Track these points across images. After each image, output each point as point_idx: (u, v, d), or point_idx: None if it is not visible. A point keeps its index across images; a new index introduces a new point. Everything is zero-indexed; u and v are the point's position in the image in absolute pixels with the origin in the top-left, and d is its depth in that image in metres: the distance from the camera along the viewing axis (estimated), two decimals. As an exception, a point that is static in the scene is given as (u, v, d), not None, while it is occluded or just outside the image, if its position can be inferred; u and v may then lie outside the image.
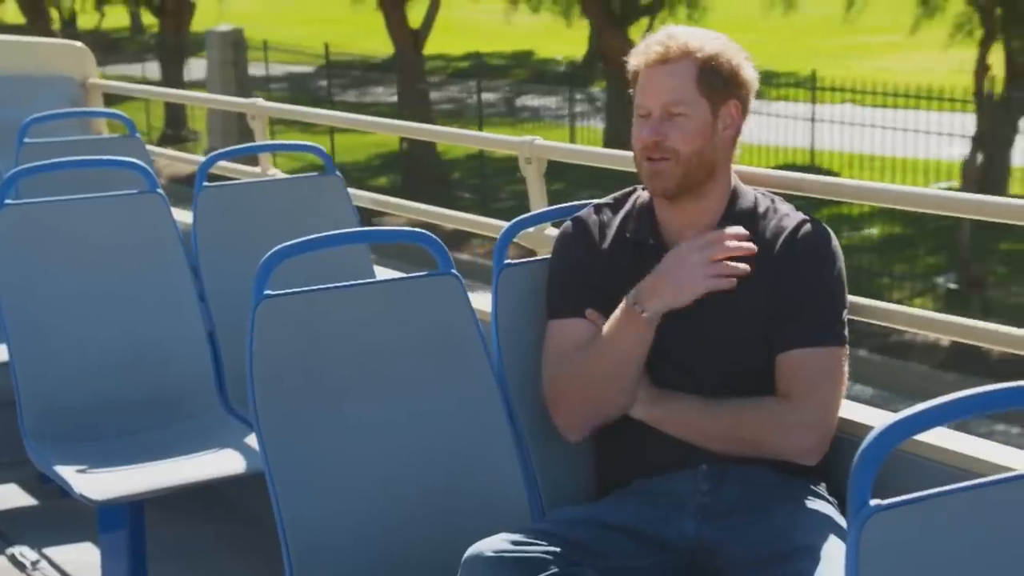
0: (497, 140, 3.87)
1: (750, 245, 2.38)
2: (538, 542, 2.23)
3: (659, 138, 2.41)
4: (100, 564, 3.13)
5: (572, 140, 16.70)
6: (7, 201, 3.37)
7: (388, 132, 4.53)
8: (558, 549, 2.23)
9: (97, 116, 5.32)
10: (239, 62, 17.29)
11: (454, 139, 4.34)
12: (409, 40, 17.39)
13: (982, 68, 13.32)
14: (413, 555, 2.47)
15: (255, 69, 20.79)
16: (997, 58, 13.76)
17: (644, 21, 16.95)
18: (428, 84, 19.08)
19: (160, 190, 3.55)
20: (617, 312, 2.40)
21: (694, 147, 2.41)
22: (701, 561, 2.32)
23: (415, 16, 18.04)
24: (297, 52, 21.24)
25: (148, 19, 28.23)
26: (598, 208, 2.57)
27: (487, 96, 19.22)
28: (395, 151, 18.01)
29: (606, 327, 2.42)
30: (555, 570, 2.19)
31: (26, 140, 4.44)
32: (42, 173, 3.62)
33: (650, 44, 2.44)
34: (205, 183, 3.64)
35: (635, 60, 2.46)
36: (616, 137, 15.43)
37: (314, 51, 20.52)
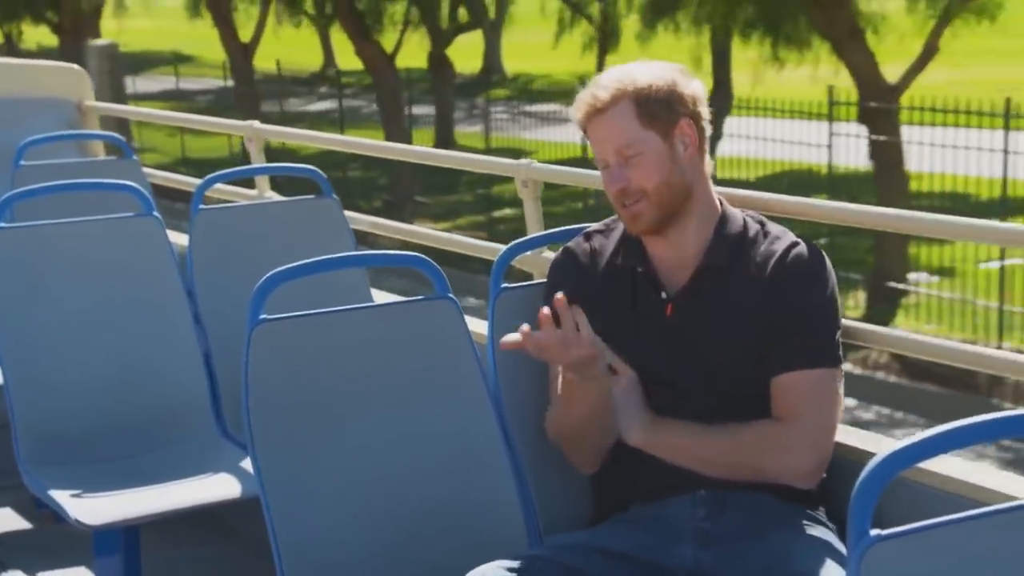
0: (494, 163, 3.87)
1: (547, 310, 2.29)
2: (535, 568, 2.22)
3: (623, 184, 2.42)
4: (95, 589, 3.11)
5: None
6: (2, 224, 3.36)
7: (380, 155, 4.52)
8: (555, 575, 2.22)
9: (93, 138, 5.32)
10: (114, 72, 17.77)
11: (453, 162, 4.34)
12: (240, 51, 20.57)
13: None
14: (410, 580, 2.45)
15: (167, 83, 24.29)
16: None
17: (392, 33, 20.47)
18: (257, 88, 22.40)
19: (156, 213, 3.55)
20: (563, 378, 2.39)
21: (659, 179, 2.41)
22: (699, 587, 2.31)
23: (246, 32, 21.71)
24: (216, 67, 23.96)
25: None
26: (588, 235, 2.57)
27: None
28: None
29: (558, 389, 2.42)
30: (552, 597, 2.18)
31: (22, 163, 4.43)
32: (38, 196, 3.62)
33: (582, 98, 2.45)
34: (201, 205, 3.63)
35: (576, 117, 2.47)
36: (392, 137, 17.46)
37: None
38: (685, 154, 2.43)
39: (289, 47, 24.99)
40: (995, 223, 2.64)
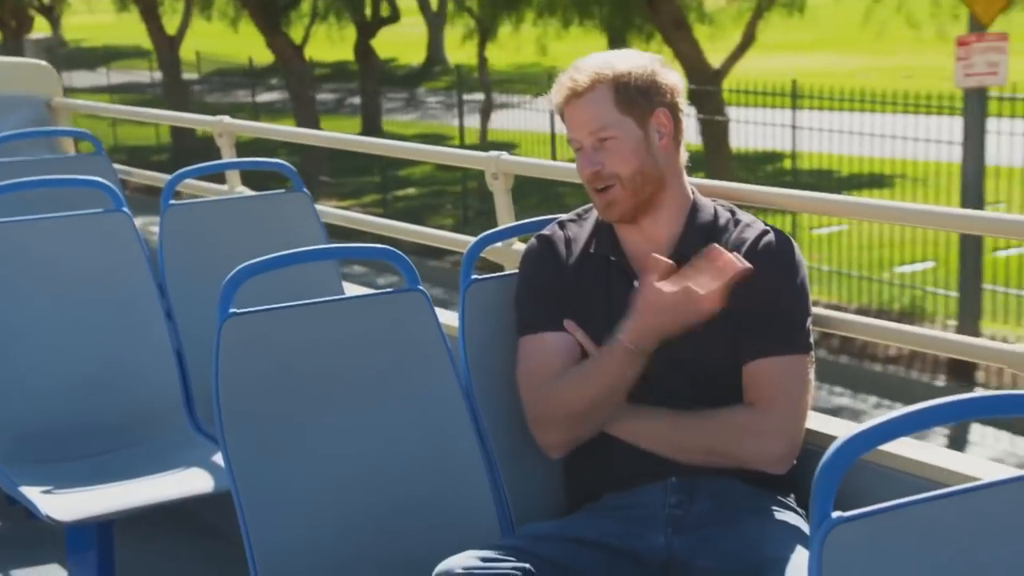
0: (464, 155, 3.87)
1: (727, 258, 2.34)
2: (508, 558, 2.22)
3: (596, 167, 2.43)
4: (68, 586, 3.11)
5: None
6: (-29, 221, 3.35)
7: (350, 148, 4.52)
8: (528, 565, 2.23)
9: (63, 135, 5.29)
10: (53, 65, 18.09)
11: (422, 155, 4.34)
12: (165, 43, 21.66)
13: None
14: (382, 571, 2.46)
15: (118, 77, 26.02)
16: None
17: (299, 26, 21.71)
18: (189, 81, 24.06)
19: (126, 208, 3.54)
20: (607, 349, 2.38)
21: (633, 166, 2.42)
22: (672, 574, 2.32)
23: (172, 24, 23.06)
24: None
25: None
26: (562, 224, 2.58)
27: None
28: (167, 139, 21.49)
29: (594, 361, 2.40)
30: (525, 586, 2.19)
31: (-9, 159, 4.41)
32: (6, 193, 3.60)
33: (562, 82, 2.46)
34: (171, 200, 3.62)
35: (554, 100, 2.48)
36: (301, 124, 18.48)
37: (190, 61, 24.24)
38: (660, 143, 2.44)
39: (244, 40, 25.80)
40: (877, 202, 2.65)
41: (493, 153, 3.52)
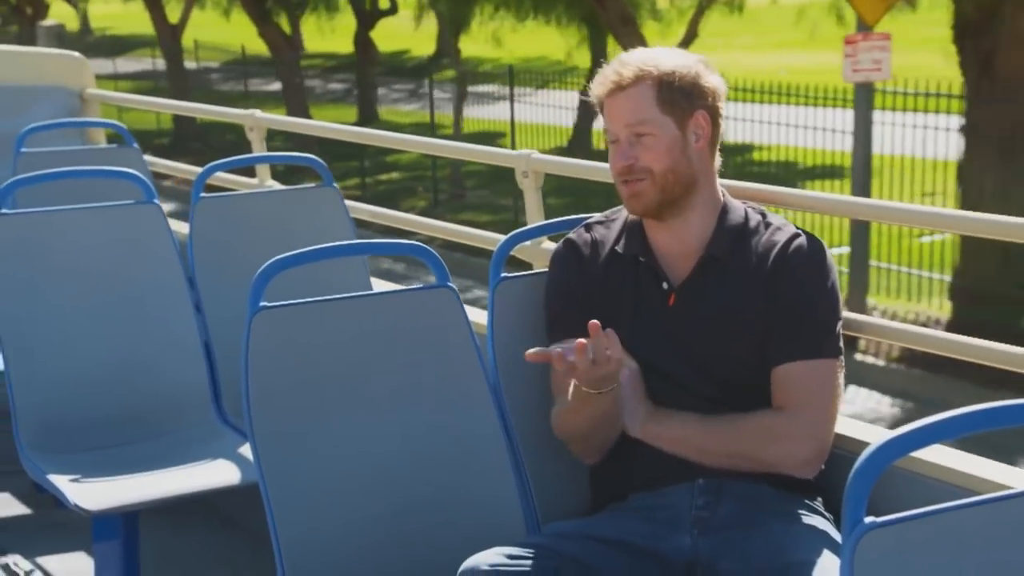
0: (495, 154, 3.87)
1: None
2: (533, 557, 2.22)
3: (630, 161, 2.43)
4: (94, 574, 3.12)
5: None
6: (3, 211, 3.37)
7: (384, 144, 4.55)
8: (553, 563, 2.23)
9: (94, 126, 5.32)
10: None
11: (452, 152, 4.34)
12: (168, 32, 22.28)
13: None
14: (408, 568, 2.46)
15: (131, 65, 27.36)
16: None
17: (292, 14, 22.96)
18: (192, 70, 25.27)
19: (157, 200, 3.55)
20: (574, 387, 2.34)
21: (666, 164, 2.42)
22: (696, 576, 2.32)
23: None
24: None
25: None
26: (589, 226, 2.58)
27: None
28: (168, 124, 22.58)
29: (572, 396, 2.36)
30: (550, 584, 2.19)
31: (23, 150, 4.44)
32: (39, 183, 3.62)
33: (606, 74, 2.46)
34: (202, 194, 3.64)
35: (596, 92, 2.47)
36: (292, 113, 19.44)
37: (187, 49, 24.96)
38: (696, 145, 2.44)
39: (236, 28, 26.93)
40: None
41: (524, 152, 3.52)
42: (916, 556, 1.46)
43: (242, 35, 25.53)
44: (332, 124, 4.77)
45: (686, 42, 16.22)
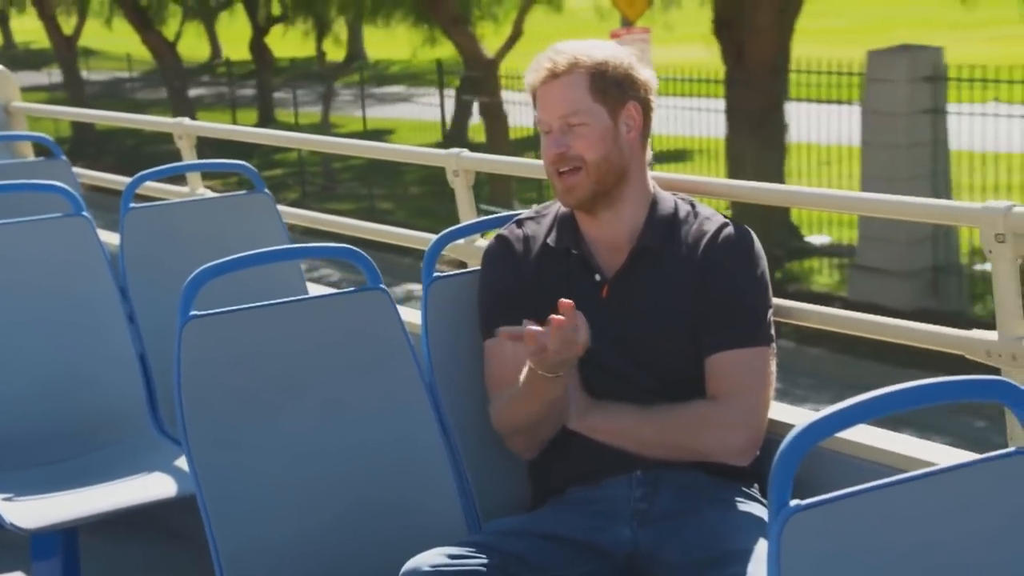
0: (424, 153, 3.87)
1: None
2: (475, 555, 2.22)
3: (562, 150, 2.44)
4: (34, 593, 3.09)
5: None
6: (-72, 228, 3.31)
7: (314, 148, 4.56)
8: (496, 561, 2.23)
9: (20, 139, 5.25)
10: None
11: (380, 153, 4.34)
12: (63, 41, 23.70)
13: None
14: (350, 571, 2.45)
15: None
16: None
17: (172, 23, 25.06)
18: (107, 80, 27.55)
19: (86, 213, 3.51)
20: (528, 372, 2.35)
21: (599, 153, 2.43)
22: (638, 567, 2.33)
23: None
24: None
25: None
26: (520, 222, 2.58)
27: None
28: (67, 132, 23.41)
29: (523, 382, 2.37)
30: (493, 582, 2.19)
31: (-52, 166, 4.37)
32: None
33: (540, 62, 2.47)
34: (132, 204, 3.60)
35: (529, 79, 2.48)
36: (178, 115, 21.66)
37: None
38: (628, 136, 2.45)
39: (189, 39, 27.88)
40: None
41: (453, 151, 3.51)
42: (843, 536, 1.47)
43: (127, 44, 26.51)
44: (262, 130, 4.74)
45: (512, 39, 17.53)
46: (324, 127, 20.62)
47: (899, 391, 1.46)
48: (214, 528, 2.33)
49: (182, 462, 3.09)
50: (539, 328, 2.24)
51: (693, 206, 2.52)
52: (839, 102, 12.11)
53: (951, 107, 10.93)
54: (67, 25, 25.23)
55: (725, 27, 12.24)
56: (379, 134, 19.43)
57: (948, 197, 10.44)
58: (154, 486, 3.05)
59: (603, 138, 2.43)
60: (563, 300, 2.24)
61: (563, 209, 2.54)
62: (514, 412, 2.44)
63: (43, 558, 2.99)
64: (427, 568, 2.18)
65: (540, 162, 2.57)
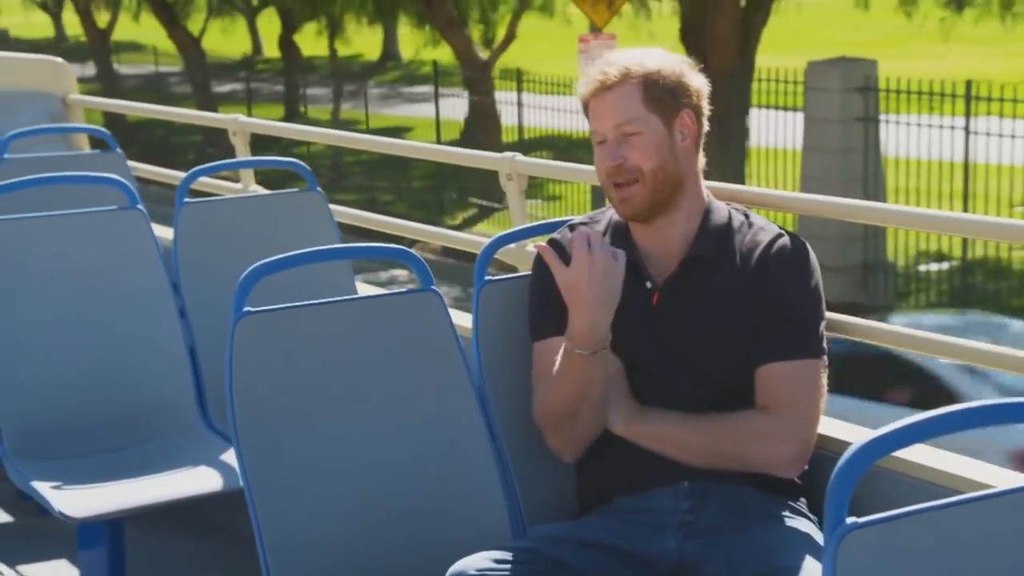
0: (478, 156, 3.87)
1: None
2: (520, 560, 2.22)
3: (619, 161, 2.43)
4: (79, 582, 3.11)
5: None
6: (-13, 217, 3.35)
7: (366, 148, 4.60)
8: (540, 567, 2.23)
9: (77, 131, 5.30)
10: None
11: (433, 155, 4.35)
12: (97, 34, 24.91)
13: None
14: (395, 571, 2.46)
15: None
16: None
17: (197, 18, 26.43)
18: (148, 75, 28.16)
19: (140, 206, 3.54)
20: (564, 352, 2.38)
21: (655, 163, 2.42)
22: (682, 579, 2.32)
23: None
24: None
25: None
26: (573, 227, 2.58)
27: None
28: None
29: (559, 365, 2.40)
30: (537, 588, 2.19)
31: (5, 156, 4.42)
32: (21, 190, 3.61)
33: (591, 75, 2.46)
34: (186, 199, 3.63)
35: (581, 91, 2.48)
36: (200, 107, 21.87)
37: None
38: (682, 144, 2.44)
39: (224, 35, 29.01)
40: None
41: (507, 155, 3.51)
42: (898, 557, 1.46)
43: (156, 38, 27.26)
44: (310, 128, 4.77)
45: (506, 42, 18.78)
46: (335, 123, 21.62)
47: (961, 411, 1.45)
48: (261, 524, 2.34)
49: (228, 457, 3.11)
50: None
51: (747, 216, 2.51)
52: (795, 109, 12.80)
53: (892, 117, 11.89)
54: (100, 19, 26.21)
55: (690, 34, 13.04)
56: (395, 131, 20.03)
57: (882, 200, 11.36)
58: (200, 480, 3.07)
59: (659, 148, 2.42)
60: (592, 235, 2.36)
61: (616, 216, 2.53)
62: (552, 398, 2.43)
63: (89, 547, 3.02)
64: (472, 572, 2.19)
65: (593, 168, 2.56)
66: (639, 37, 20.25)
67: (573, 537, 2.34)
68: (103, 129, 4.88)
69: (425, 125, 19.73)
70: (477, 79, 17.52)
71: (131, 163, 4.74)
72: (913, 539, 1.47)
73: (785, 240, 2.44)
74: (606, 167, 2.45)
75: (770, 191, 2.81)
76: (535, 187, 14.91)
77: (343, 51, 26.91)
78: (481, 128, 17.58)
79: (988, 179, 11.73)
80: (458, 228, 15.91)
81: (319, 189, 3.76)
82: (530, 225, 2.84)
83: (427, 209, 16.42)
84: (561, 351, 2.38)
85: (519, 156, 3.49)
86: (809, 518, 2.37)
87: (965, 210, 11.37)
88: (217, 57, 28.45)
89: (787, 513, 2.35)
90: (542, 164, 3.61)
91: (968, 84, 11.49)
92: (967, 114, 11.58)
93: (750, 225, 2.48)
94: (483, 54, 18.33)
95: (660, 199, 2.44)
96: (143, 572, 3.24)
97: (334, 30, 24.99)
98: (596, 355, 2.34)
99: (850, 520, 1.43)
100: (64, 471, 3.11)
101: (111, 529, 2.98)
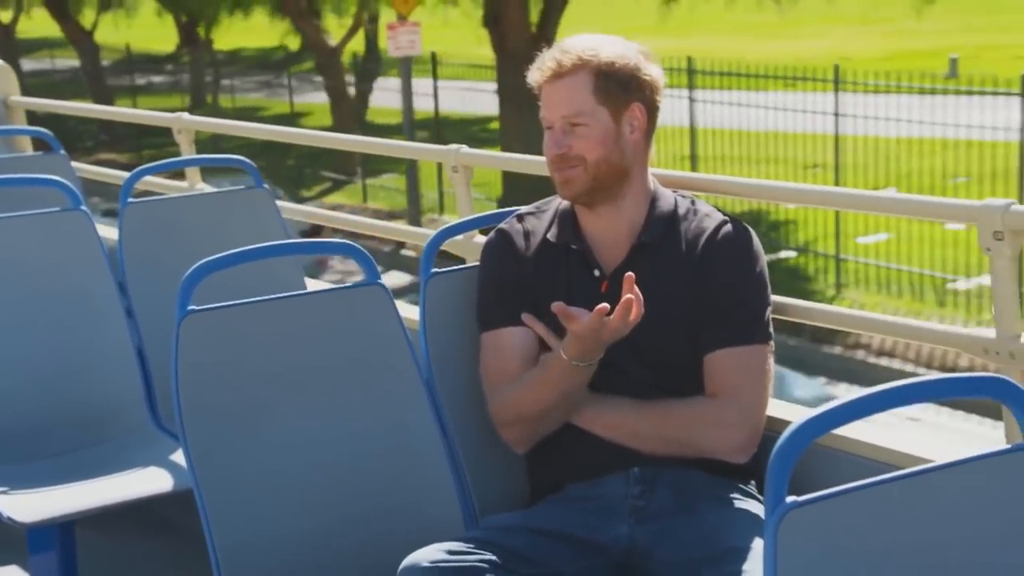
0: (424, 150, 3.87)
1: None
2: (474, 551, 2.22)
3: (563, 150, 2.44)
4: (30, 587, 3.09)
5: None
6: (-73, 222, 3.31)
7: (318, 144, 4.58)
8: (494, 557, 2.23)
9: (19, 133, 5.25)
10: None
11: (381, 149, 4.33)
12: (1, 30, 27.50)
13: None
14: (347, 567, 2.45)
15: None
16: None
17: (89, 12, 27.88)
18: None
19: (84, 207, 3.51)
20: (554, 358, 2.36)
21: (599, 154, 2.43)
22: (635, 564, 2.33)
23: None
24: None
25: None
26: (520, 217, 2.58)
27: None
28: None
29: (542, 369, 2.40)
30: (491, 578, 2.19)
31: (-54, 160, 4.37)
32: None
33: (545, 59, 2.46)
34: (130, 198, 3.60)
35: (534, 76, 2.47)
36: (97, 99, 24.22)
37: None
38: (631, 137, 2.45)
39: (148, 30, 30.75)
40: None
41: (453, 147, 3.51)
42: (840, 533, 1.47)
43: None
44: (258, 125, 4.74)
45: (353, 30, 20.96)
46: (215, 110, 23.87)
47: (897, 388, 1.46)
48: (211, 522, 2.33)
49: (179, 457, 3.09)
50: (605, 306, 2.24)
51: (693, 203, 2.53)
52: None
53: (704, 94, 14.33)
54: (4, 15, 27.68)
55: (492, 21, 14.80)
56: (292, 117, 21.93)
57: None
58: (151, 480, 3.05)
59: (603, 140, 2.43)
60: (629, 274, 2.25)
61: (563, 205, 2.54)
62: (525, 401, 2.42)
63: (39, 552, 2.99)
64: (425, 564, 2.18)
65: (540, 159, 2.57)
66: (445, 23, 22.19)
67: (525, 526, 2.34)
68: (46, 131, 4.83)
69: (322, 110, 21.60)
70: (327, 64, 19.55)
71: (75, 164, 4.70)
72: (852, 516, 1.48)
73: (729, 227, 2.46)
74: (550, 155, 2.46)
75: (720, 177, 2.82)
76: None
77: (269, 42, 28.68)
78: (336, 110, 19.50)
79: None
80: (313, 199, 17.98)
81: (265, 185, 3.74)
82: (477, 216, 2.84)
83: (291, 184, 18.33)
84: (544, 360, 2.37)
85: (464, 148, 3.49)
86: (758, 499, 2.38)
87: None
88: (145, 51, 30.26)
89: (737, 495, 2.36)
90: (487, 155, 3.61)
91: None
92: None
93: (695, 212, 2.49)
94: (332, 41, 20.06)
95: (602, 186, 2.45)
96: (95, 574, 3.22)
97: (209, 23, 26.74)
98: (592, 364, 2.35)
99: (790, 499, 1.44)
100: (12, 476, 3.08)
101: (62, 532, 2.95)
